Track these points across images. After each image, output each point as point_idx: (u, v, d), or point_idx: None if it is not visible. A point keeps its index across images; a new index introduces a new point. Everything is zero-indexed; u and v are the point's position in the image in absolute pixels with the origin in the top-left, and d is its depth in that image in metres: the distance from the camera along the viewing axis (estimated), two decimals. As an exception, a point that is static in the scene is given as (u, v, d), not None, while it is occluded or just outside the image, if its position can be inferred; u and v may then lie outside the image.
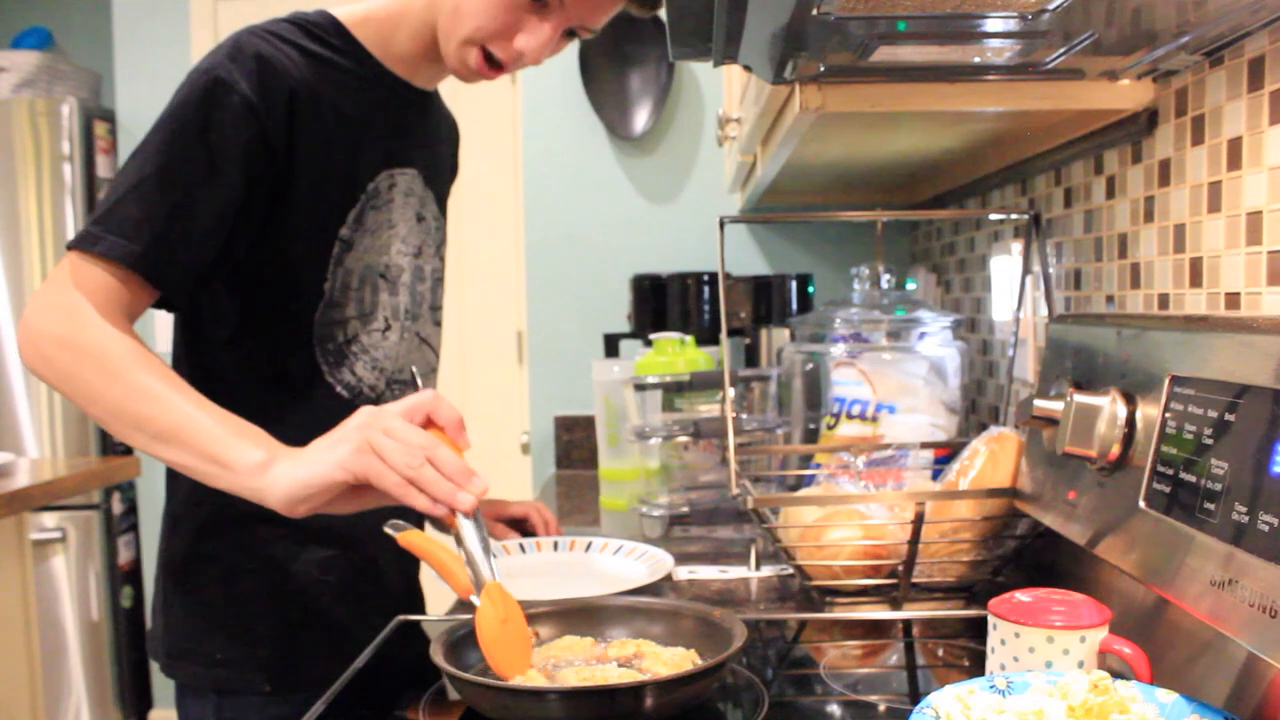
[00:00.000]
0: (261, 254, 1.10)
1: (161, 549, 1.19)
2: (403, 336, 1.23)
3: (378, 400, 1.19)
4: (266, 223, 1.08)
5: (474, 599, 0.90)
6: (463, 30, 1.10)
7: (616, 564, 1.34)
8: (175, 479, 1.18)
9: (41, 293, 1.00)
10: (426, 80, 1.22)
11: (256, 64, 1.05)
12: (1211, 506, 0.71)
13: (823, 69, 1.04)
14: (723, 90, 2.28)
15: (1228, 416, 0.71)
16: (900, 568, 1.11)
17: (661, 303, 2.16)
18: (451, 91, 1.34)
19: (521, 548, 1.38)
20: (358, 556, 1.19)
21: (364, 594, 1.20)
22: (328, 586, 1.17)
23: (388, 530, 1.17)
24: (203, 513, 1.15)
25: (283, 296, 1.13)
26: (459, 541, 0.92)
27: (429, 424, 0.95)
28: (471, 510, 0.90)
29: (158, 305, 1.07)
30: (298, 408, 1.13)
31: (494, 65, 1.13)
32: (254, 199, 1.06)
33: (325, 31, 1.13)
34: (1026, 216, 1.34)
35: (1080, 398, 0.87)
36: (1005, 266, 1.61)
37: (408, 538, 1.15)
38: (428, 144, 1.26)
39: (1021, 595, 0.82)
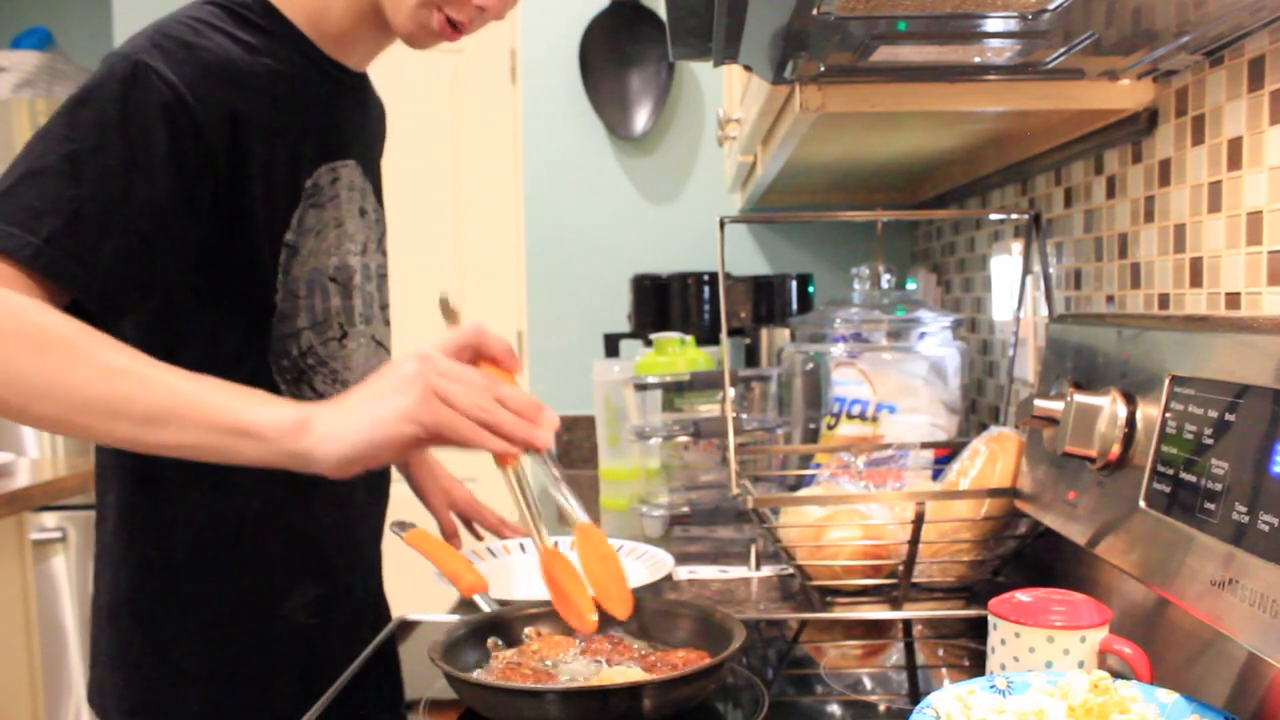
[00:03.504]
0: (206, 272, 0.99)
1: (124, 593, 1.05)
2: (359, 343, 1.13)
3: None
4: (212, 237, 0.98)
5: (544, 542, 0.90)
6: None
7: (616, 564, 1.33)
8: (144, 517, 1.04)
9: None
10: (360, 59, 1.13)
11: (188, 55, 0.94)
12: (1211, 506, 0.70)
13: (823, 69, 1.04)
14: (723, 90, 2.28)
15: (1228, 416, 0.71)
16: (900, 568, 1.11)
17: (662, 303, 2.16)
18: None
19: (521, 547, 1.38)
20: (340, 590, 1.14)
21: (345, 626, 1.15)
22: (313, 628, 1.10)
23: (392, 530, 1.17)
24: (179, 553, 1.04)
25: (231, 314, 1.02)
26: (521, 489, 0.89)
27: (478, 359, 0.89)
28: (549, 446, 0.85)
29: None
30: None
31: (454, 26, 1.05)
32: (194, 204, 0.94)
33: (253, 13, 1.02)
34: (1026, 216, 1.34)
35: (1080, 398, 0.87)
36: (1005, 266, 1.61)
37: (413, 537, 1.15)
38: (363, 131, 1.17)
39: (1021, 595, 0.82)
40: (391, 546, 1.24)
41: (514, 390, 0.85)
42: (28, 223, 0.85)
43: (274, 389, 1.04)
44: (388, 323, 1.22)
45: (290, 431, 0.81)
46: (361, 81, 1.17)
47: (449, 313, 1.04)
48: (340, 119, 1.11)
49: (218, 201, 0.97)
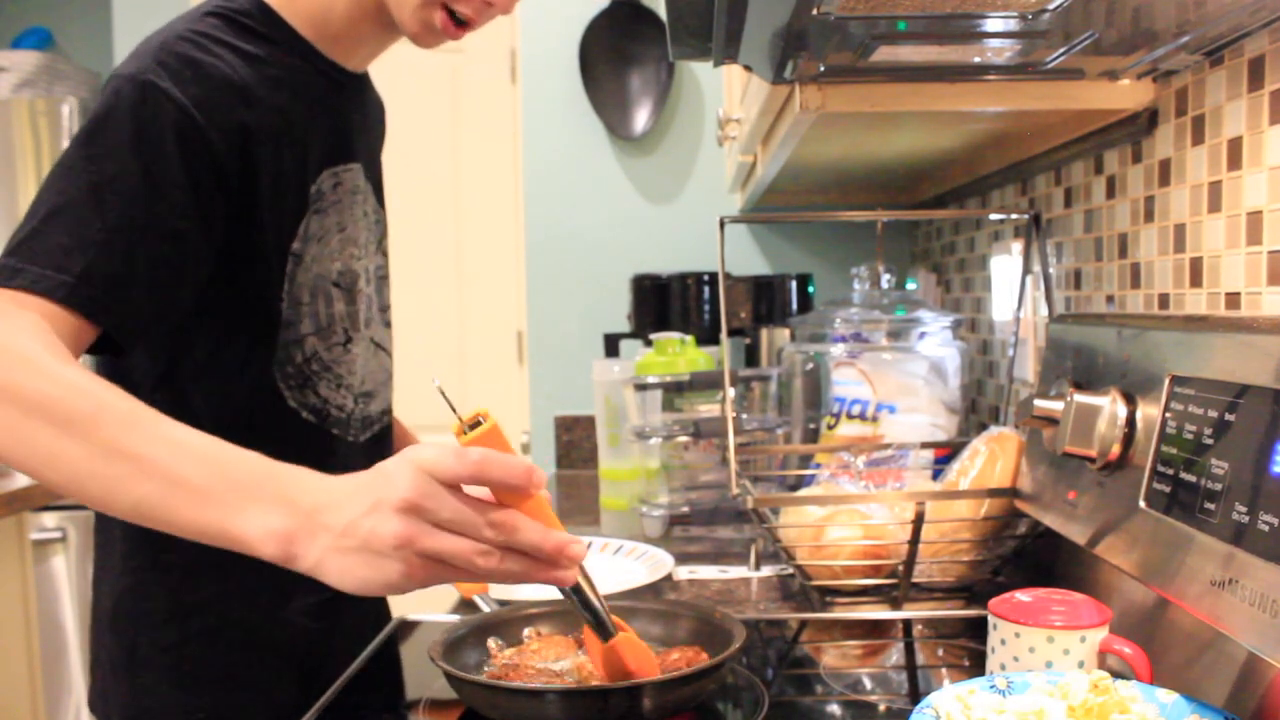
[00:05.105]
0: (214, 283, 0.98)
1: (128, 599, 1.04)
2: (362, 347, 1.13)
3: (347, 421, 1.11)
4: (223, 249, 0.97)
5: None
6: None
7: (616, 564, 1.34)
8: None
9: None
10: (361, 61, 1.12)
11: (194, 73, 0.93)
12: (1211, 506, 0.70)
13: (823, 69, 1.04)
14: (723, 90, 2.28)
15: (1228, 416, 0.71)
16: (900, 568, 1.11)
17: (662, 303, 2.16)
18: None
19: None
20: (345, 593, 1.12)
21: (349, 629, 1.14)
22: (318, 631, 1.10)
23: None
24: (183, 558, 1.01)
25: (237, 323, 1.02)
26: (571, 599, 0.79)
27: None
28: (572, 582, 0.75)
29: (101, 350, 0.91)
30: (259, 440, 0.84)
31: (459, 23, 1.03)
32: (210, 223, 0.94)
33: (254, 21, 1.01)
34: (1026, 216, 1.34)
35: (1080, 398, 0.87)
36: (1005, 266, 1.61)
37: None
38: (364, 132, 1.16)
39: (1021, 595, 0.82)
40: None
41: (526, 525, 0.70)
42: (59, 262, 0.85)
43: (278, 395, 1.04)
44: (388, 324, 1.21)
45: (282, 555, 0.75)
46: (362, 82, 1.16)
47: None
48: (342, 122, 1.11)
49: (230, 217, 0.97)
